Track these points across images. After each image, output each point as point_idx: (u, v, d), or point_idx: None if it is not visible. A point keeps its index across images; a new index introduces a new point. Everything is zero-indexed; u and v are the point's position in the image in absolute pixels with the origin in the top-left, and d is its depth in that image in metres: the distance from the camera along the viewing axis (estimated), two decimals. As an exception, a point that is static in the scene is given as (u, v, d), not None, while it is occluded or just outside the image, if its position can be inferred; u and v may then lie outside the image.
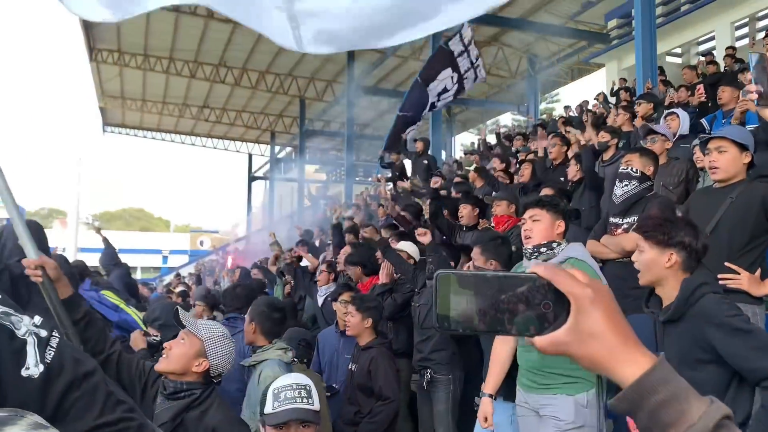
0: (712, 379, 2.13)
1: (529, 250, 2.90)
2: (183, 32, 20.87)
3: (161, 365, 2.30)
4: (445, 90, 11.26)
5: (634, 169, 3.56)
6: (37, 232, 2.99)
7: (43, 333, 1.45)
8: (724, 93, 5.50)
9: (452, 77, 11.10)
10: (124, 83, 25.72)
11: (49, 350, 1.44)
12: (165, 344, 2.36)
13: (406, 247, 5.16)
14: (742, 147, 3.06)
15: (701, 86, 7.56)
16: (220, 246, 34.17)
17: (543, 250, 2.85)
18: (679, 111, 5.62)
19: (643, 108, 6.96)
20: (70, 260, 6.43)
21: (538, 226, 2.90)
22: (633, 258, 2.40)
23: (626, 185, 3.53)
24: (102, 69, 23.87)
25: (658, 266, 2.33)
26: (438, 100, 11.29)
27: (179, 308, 2.51)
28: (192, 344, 2.31)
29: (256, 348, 3.22)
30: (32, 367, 1.38)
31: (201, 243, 45.59)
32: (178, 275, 13.78)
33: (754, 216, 2.95)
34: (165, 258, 47.17)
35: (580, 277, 0.71)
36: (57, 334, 1.48)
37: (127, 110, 29.21)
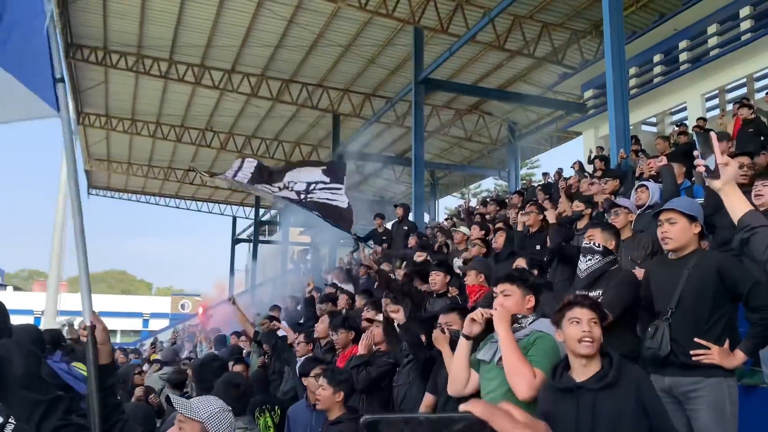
0: None
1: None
2: (171, 97, 21.27)
3: None
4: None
5: (597, 244, 3.65)
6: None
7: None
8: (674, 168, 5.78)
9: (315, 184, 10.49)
10: (111, 146, 25.97)
11: None
12: (168, 431, 2.35)
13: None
14: (691, 218, 3.18)
15: (652, 161, 7.81)
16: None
17: (515, 325, 2.89)
18: (648, 183, 5.77)
19: (610, 185, 7.16)
20: (51, 322, 6.34)
21: (508, 301, 2.95)
22: (586, 329, 2.49)
23: (590, 259, 3.62)
24: (89, 132, 24.13)
25: (600, 340, 2.51)
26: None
27: (170, 394, 2.50)
28: (192, 429, 2.30)
29: None
30: None
31: (182, 306, 45.01)
32: (153, 344, 13.52)
33: (713, 287, 3.02)
34: (146, 321, 46.43)
35: (518, 416, 0.69)
36: (13, 421, 1.50)
37: (112, 173, 29.36)
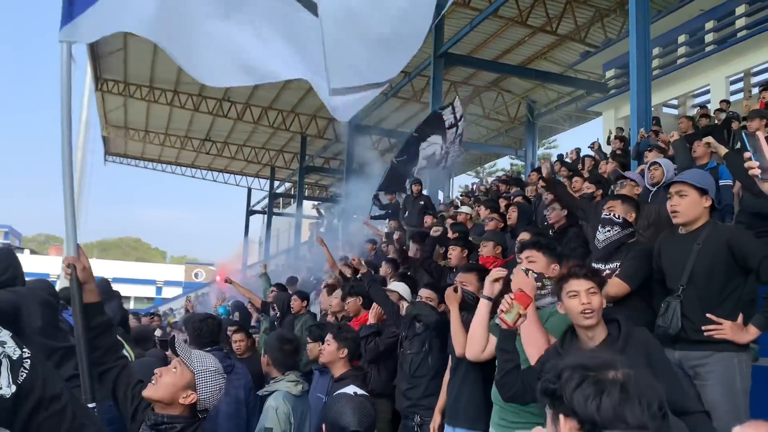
0: None
1: None
2: (189, 66, 21.22)
3: (148, 391, 2.24)
4: (432, 156, 12.01)
5: (617, 216, 3.61)
6: (8, 258, 3.02)
7: (16, 354, 1.49)
8: (699, 147, 5.67)
9: (441, 146, 11.86)
10: (128, 113, 26.04)
11: (22, 371, 1.48)
12: (156, 370, 2.30)
13: (398, 288, 5.16)
14: (702, 191, 3.12)
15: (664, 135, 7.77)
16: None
17: (538, 285, 2.87)
18: (661, 160, 5.69)
19: (652, 155, 7.03)
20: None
21: (533, 266, 2.95)
22: (585, 301, 2.46)
23: (608, 231, 3.58)
24: (107, 99, 24.20)
25: (601, 308, 2.49)
26: (424, 166, 12.13)
27: (175, 335, 2.51)
28: (183, 375, 2.25)
29: (270, 379, 3.34)
30: (4, 388, 1.42)
31: (196, 275, 45.45)
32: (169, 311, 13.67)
33: (724, 262, 2.98)
34: (159, 289, 47.01)
35: None
36: (28, 353, 1.52)
37: (129, 140, 29.49)
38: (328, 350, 3.69)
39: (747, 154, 2.17)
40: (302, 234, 27.88)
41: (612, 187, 5.71)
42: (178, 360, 2.31)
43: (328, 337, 3.72)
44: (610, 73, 18.01)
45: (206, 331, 4.13)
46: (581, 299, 2.44)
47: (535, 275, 2.89)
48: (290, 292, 7.62)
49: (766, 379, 3.95)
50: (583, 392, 1.25)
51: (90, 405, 2.25)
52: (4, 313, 2.71)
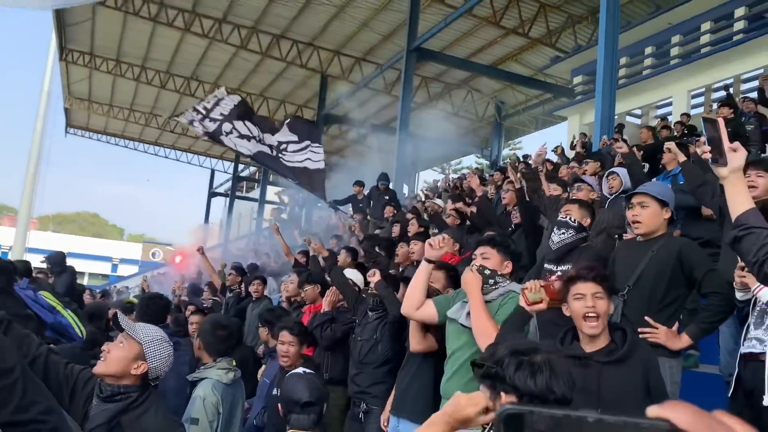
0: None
1: None
2: (158, 41, 20.84)
3: (99, 368, 2.29)
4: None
5: (573, 219, 3.71)
6: None
7: None
8: (666, 156, 5.86)
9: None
10: (93, 86, 25.43)
11: None
12: (103, 347, 2.35)
13: (351, 275, 5.21)
14: (663, 203, 3.23)
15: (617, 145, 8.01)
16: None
17: (489, 281, 2.95)
18: (619, 170, 5.86)
19: (591, 166, 7.25)
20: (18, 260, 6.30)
21: (487, 263, 3.02)
22: (590, 304, 2.49)
23: (563, 233, 3.68)
24: (71, 69, 23.58)
25: (607, 314, 2.52)
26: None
27: (118, 312, 2.53)
28: (131, 347, 2.31)
29: (202, 364, 3.27)
30: None
31: (153, 254, 44.72)
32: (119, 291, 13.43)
33: (671, 270, 3.08)
34: (115, 266, 46.13)
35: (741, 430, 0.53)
36: None
37: (93, 113, 28.81)
38: (293, 351, 3.74)
39: (702, 138, 2.17)
40: (264, 219, 27.71)
41: (568, 189, 5.85)
42: (123, 334, 2.35)
43: (291, 338, 3.74)
44: (577, 79, 18.30)
45: (153, 309, 4.13)
46: (586, 302, 2.47)
47: (488, 272, 2.98)
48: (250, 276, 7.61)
49: (704, 385, 4.13)
50: (522, 373, 1.61)
51: None
52: None
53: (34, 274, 6.26)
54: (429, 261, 3.15)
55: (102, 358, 2.30)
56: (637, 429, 0.51)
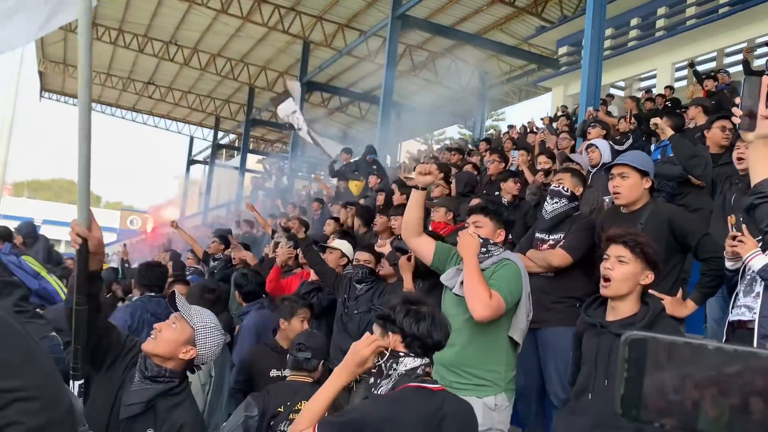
0: None
1: None
2: (136, 4, 20.31)
3: (149, 345, 2.24)
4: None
5: (565, 188, 3.70)
6: None
7: None
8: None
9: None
10: (68, 49, 24.76)
11: None
12: (155, 325, 2.31)
13: (341, 245, 5.17)
14: (643, 173, 3.24)
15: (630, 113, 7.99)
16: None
17: (482, 249, 2.94)
18: (598, 142, 5.86)
19: (595, 132, 7.19)
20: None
21: (480, 232, 3.00)
22: (608, 266, 2.46)
23: (556, 202, 3.68)
24: (45, 31, 22.92)
25: (635, 281, 2.44)
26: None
27: (175, 291, 2.47)
28: (183, 331, 2.28)
29: None
30: None
31: (131, 222, 44.24)
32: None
33: (665, 239, 3.10)
34: (91, 234, 45.56)
35: None
36: None
37: (68, 77, 28.10)
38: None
39: (737, 99, 2.09)
40: (244, 188, 27.46)
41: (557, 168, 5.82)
42: (177, 315, 2.31)
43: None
44: (562, 50, 18.23)
45: (153, 276, 4.07)
46: (606, 263, 2.45)
47: (481, 240, 2.96)
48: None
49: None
50: (409, 319, 2.03)
51: (78, 382, 2.13)
52: None
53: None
54: (418, 188, 3.15)
55: (153, 336, 2.26)
56: (755, 358, 0.49)
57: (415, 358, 2.03)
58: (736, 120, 2.04)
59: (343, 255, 5.09)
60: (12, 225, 9.52)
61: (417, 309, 2.04)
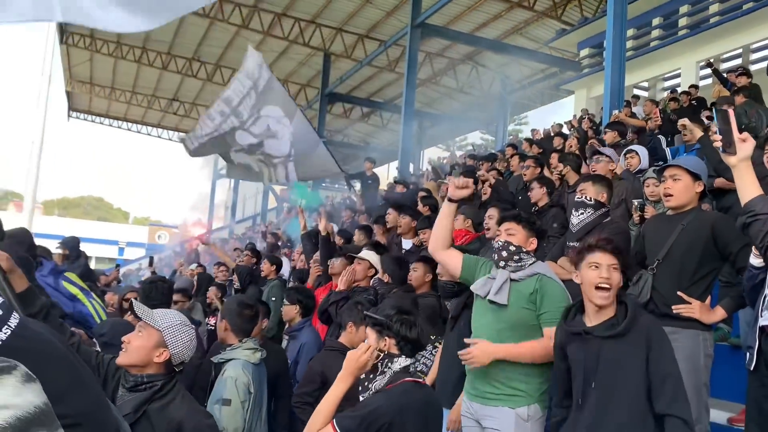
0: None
1: (503, 255, 2.95)
2: (158, 23, 20.62)
3: (121, 359, 2.28)
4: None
5: (588, 198, 3.67)
6: None
7: None
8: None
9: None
10: (94, 69, 25.28)
11: (5, 330, 1.44)
12: (123, 338, 2.32)
13: (367, 256, 5.17)
14: (696, 176, 3.18)
15: (657, 110, 7.89)
16: (180, 241, 33.68)
17: (515, 257, 2.93)
18: (637, 148, 5.80)
19: (609, 136, 7.14)
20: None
21: (512, 239, 2.98)
22: (605, 275, 2.46)
23: (582, 213, 3.65)
24: (72, 53, 23.43)
25: (618, 287, 2.49)
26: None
27: (134, 300, 2.50)
28: (150, 336, 2.29)
29: (227, 346, 3.23)
30: None
31: (159, 237, 44.80)
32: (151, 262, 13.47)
33: (704, 243, 3.04)
34: (121, 250, 46.24)
35: None
36: (17, 315, 1.47)
37: (94, 96, 28.67)
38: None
39: (713, 128, 2.33)
40: (269, 200, 27.68)
41: (587, 162, 5.76)
42: (141, 323, 2.33)
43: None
44: (584, 52, 18.10)
45: (155, 293, 4.10)
46: (601, 272, 2.45)
47: (513, 248, 2.95)
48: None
49: (733, 358, 4.11)
50: (402, 325, 2.40)
51: None
52: None
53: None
54: (452, 201, 3.15)
55: (123, 349, 2.29)
56: None
57: (407, 359, 2.40)
58: (718, 145, 2.21)
59: (371, 266, 5.11)
60: (45, 243, 9.74)
61: (408, 318, 2.44)
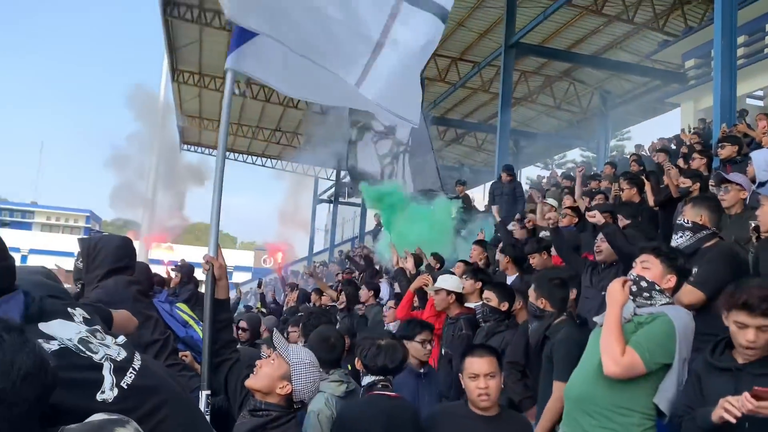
0: None
1: (632, 289, 2.72)
2: (261, 57, 21.63)
3: (250, 381, 2.42)
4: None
5: (686, 220, 3.49)
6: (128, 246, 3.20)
7: (122, 355, 1.55)
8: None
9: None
10: (203, 104, 26.79)
11: (130, 374, 1.55)
12: (257, 362, 2.48)
13: (442, 282, 5.09)
14: None
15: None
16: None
17: (644, 294, 2.71)
18: (753, 154, 5.23)
19: (727, 150, 6.65)
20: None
21: (647, 274, 2.75)
22: (750, 338, 2.34)
23: (680, 237, 3.49)
24: (183, 89, 24.97)
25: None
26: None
27: (275, 330, 2.64)
28: (279, 366, 2.40)
29: None
30: (107, 391, 1.48)
31: (264, 261, 46.46)
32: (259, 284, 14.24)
33: None
34: (230, 273, 48.14)
35: None
36: (139, 358, 1.58)
37: (204, 129, 30.35)
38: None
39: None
40: (366, 223, 28.09)
41: (715, 190, 4.96)
42: (275, 353, 2.45)
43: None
44: (689, 63, 17.27)
45: (315, 324, 4.24)
46: (747, 335, 2.31)
47: (645, 284, 2.72)
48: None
49: None
50: (369, 352, 3.00)
51: (205, 392, 2.50)
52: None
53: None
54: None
55: (254, 372, 2.43)
56: None
57: (372, 376, 2.97)
58: None
59: (450, 293, 5.02)
60: (159, 269, 10.38)
61: (373, 342, 3.01)
